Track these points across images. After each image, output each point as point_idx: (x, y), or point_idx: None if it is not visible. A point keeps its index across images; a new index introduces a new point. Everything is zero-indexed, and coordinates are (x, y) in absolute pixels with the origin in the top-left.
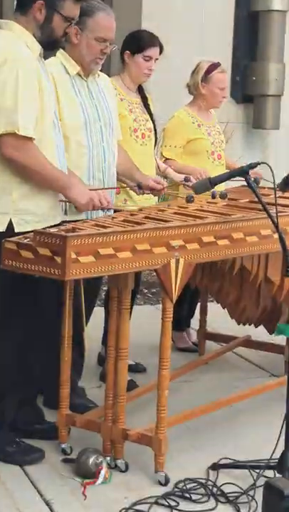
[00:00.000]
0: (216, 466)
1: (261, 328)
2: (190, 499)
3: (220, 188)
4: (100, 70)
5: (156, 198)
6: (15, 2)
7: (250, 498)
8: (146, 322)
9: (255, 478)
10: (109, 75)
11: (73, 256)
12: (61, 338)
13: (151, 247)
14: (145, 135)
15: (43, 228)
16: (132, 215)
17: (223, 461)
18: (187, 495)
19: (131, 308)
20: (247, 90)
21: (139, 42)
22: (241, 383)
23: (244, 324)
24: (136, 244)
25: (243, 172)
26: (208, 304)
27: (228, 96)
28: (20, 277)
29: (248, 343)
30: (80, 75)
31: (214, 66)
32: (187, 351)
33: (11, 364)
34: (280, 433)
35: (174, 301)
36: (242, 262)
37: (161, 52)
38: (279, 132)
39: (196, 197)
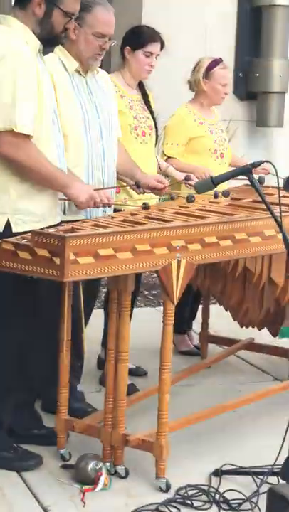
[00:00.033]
0: (218, 472)
1: (264, 330)
2: (192, 506)
3: (222, 187)
4: (100, 67)
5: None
6: None
7: (254, 505)
8: (146, 325)
9: (258, 484)
10: (109, 72)
11: (72, 257)
12: (60, 340)
13: (151, 247)
14: (146, 133)
15: (42, 228)
16: (132, 214)
17: (225, 467)
18: (189, 502)
19: (131, 311)
20: (250, 87)
21: (139, 37)
22: (244, 387)
23: (247, 327)
24: (136, 244)
25: (246, 171)
26: (211, 306)
27: (231, 93)
28: (18, 278)
29: (251, 346)
30: (78, 72)
31: (216, 62)
32: (189, 354)
33: (8, 366)
34: (284, 438)
35: (176, 303)
36: (245, 263)
37: (162, 48)
38: (283, 130)
39: (198, 196)
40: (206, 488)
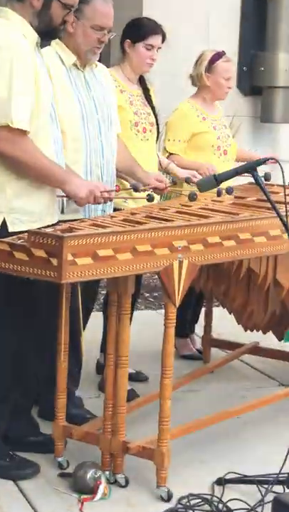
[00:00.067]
0: (221, 481)
1: (270, 334)
2: None
3: (226, 185)
4: (99, 61)
5: (159, 196)
6: None
7: None
8: (147, 328)
9: (263, 493)
10: (109, 66)
11: (70, 258)
12: (57, 344)
13: (152, 248)
14: (147, 129)
15: (39, 228)
16: (132, 214)
17: (229, 476)
18: (191, 511)
19: (131, 314)
20: (255, 81)
21: (140, 30)
22: (248, 393)
23: (251, 330)
24: (136, 245)
25: (250, 168)
26: (214, 308)
27: (235, 88)
28: (14, 280)
29: (256, 350)
30: (76, 66)
31: (219, 55)
32: (191, 359)
33: (4, 371)
34: None
35: (177, 305)
36: (249, 264)
37: (163, 40)
38: None
39: (201, 195)
40: (208, 497)
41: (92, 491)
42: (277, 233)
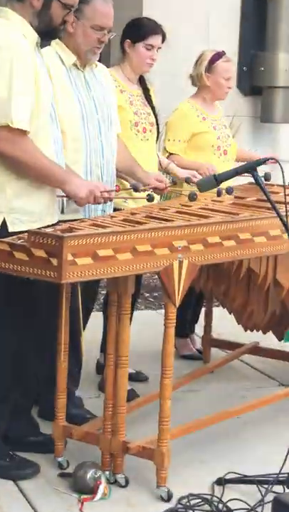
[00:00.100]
0: (221, 481)
1: (270, 334)
2: None
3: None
4: (99, 61)
5: (159, 196)
6: None
7: None
8: (147, 328)
9: (263, 493)
10: (109, 67)
11: (70, 258)
12: (57, 344)
13: (152, 248)
14: (147, 129)
15: (39, 228)
16: (132, 214)
17: (229, 476)
18: (191, 511)
19: (131, 314)
20: (255, 81)
21: (140, 30)
22: (248, 393)
23: (251, 330)
24: (136, 245)
25: (250, 168)
26: (214, 308)
27: (235, 87)
28: (14, 280)
29: (256, 350)
30: (76, 66)
31: (218, 55)
32: (191, 359)
33: (4, 371)
34: None
35: (177, 305)
36: (249, 264)
37: (163, 40)
38: None
39: (201, 195)
40: (208, 497)
41: (92, 491)
42: (277, 233)
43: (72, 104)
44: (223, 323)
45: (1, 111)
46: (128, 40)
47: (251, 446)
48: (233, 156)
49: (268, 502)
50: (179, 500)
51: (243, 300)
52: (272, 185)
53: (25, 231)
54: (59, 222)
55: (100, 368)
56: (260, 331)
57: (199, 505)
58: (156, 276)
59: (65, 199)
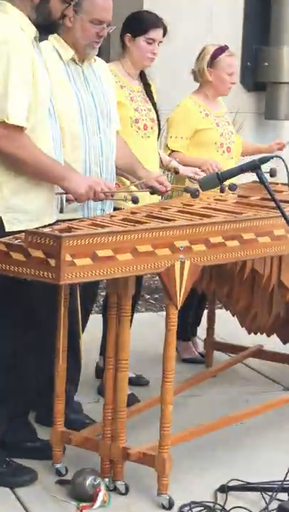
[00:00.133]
0: (224, 489)
1: (274, 337)
2: None
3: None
4: (98, 55)
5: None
6: None
7: None
8: (148, 331)
9: (267, 501)
10: (109, 61)
11: (68, 258)
12: (56, 347)
13: (153, 248)
14: (147, 126)
15: (37, 228)
16: (132, 213)
17: (232, 483)
18: None
19: (131, 316)
20: (259, 77)
21: (140, 23)
22: (252, 398)
23: (255, 333)
24: (137, 245)
25: (254, 166)
26: (216, 310)
27: (238, 83)
28: (11, 280)
29: (260, 353)
30: (74, 61)
31: (221, 50)
32: (193, 362)
33: (2, 372)
34: None
35: (179, 307)
36: (253, 264)
37: (164, 34)
38: None
39: (203, 193)
40: (211, 505)
41: (91, 498)
42: (281, 233)
43: (70, 99)
44: (226, 325)
45: None
46: (128, 34)
47: (255, 453)
48: (236, 154)
49: (273, 510)
50: (180, 508)
51: (247, 302)
52: (276, 183)
53: (23, 231)
54: (57, 221)
55: (100, 372)
56: (264, 334)
57: None
58: (157, 278)
59: (64, 199)
